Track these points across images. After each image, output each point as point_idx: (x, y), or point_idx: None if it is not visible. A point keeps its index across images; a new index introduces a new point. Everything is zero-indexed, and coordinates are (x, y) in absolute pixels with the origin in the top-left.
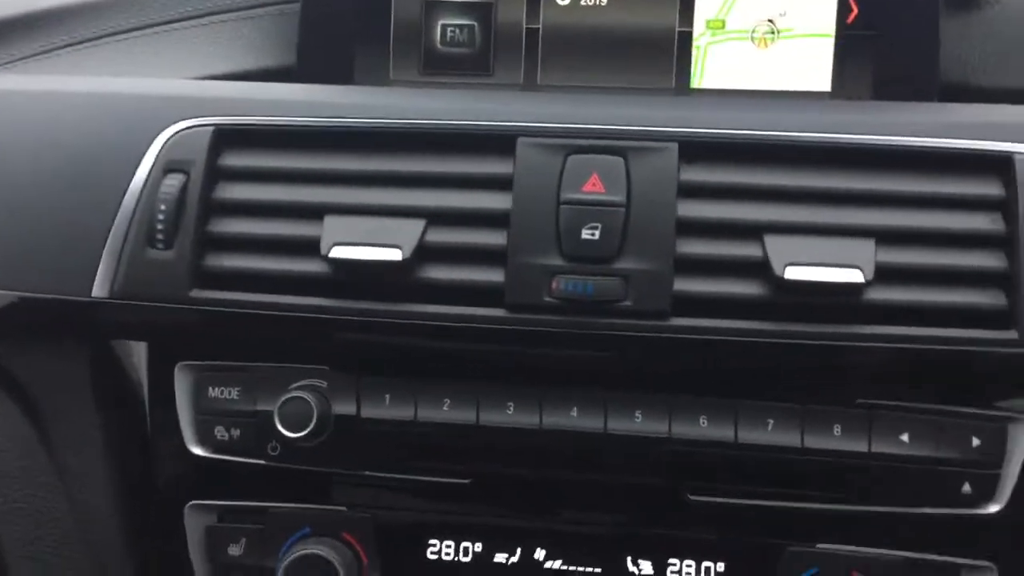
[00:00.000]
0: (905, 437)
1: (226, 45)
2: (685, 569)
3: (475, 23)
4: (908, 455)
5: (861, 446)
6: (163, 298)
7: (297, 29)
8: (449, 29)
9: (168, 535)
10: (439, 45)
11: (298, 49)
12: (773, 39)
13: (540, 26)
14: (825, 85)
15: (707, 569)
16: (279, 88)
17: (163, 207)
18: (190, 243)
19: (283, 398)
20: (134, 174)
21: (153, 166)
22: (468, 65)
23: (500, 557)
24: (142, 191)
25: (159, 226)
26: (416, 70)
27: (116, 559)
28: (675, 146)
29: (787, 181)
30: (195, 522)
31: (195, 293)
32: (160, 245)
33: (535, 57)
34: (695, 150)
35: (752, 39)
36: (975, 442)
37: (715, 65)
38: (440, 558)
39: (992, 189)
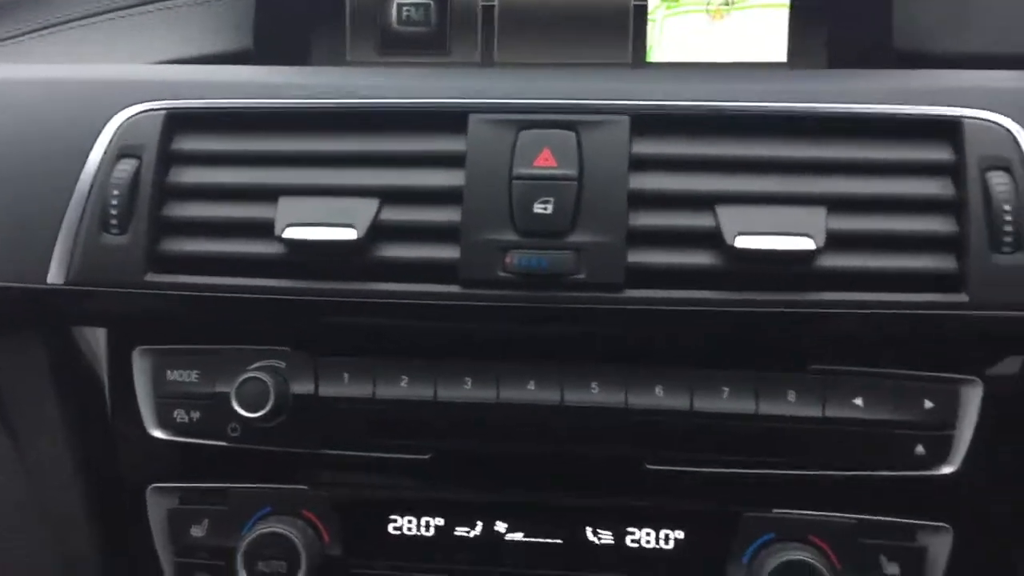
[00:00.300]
0: (859, 401)
1: (183, 30)
2: (644, 538)
3: (431, 2)
4: (862, 419)
5: (815, 411)
6: (119, 283)
7: (253, 12)
8: (405, 9)
9: (131, 518)
10: (395, 25)
11: (254, 32)
12: (728, 10)
13: (496, 3)
14: (781, 56)
15: (666, 537)
16: (231, 71)
17: (116, 192)
18: (144, 228)
19: (240, 379)
20: (87, 160)
21: (106, 151)
22: (425, 44)
23: (461, 531)
24: (95, 177)
25: (113, 211)
26: (373, 50)
27: (80, 544)
28: (627, 119)
29: (738, 151)
30: (157, 505)
31: (151, 277)
32: (114, 230)
33: (491, 35)
34: (647, 122)
35: (707, 11)
36: (928, 404)
37: (671, 38)
38: (402, 533)
39: (942, 154)
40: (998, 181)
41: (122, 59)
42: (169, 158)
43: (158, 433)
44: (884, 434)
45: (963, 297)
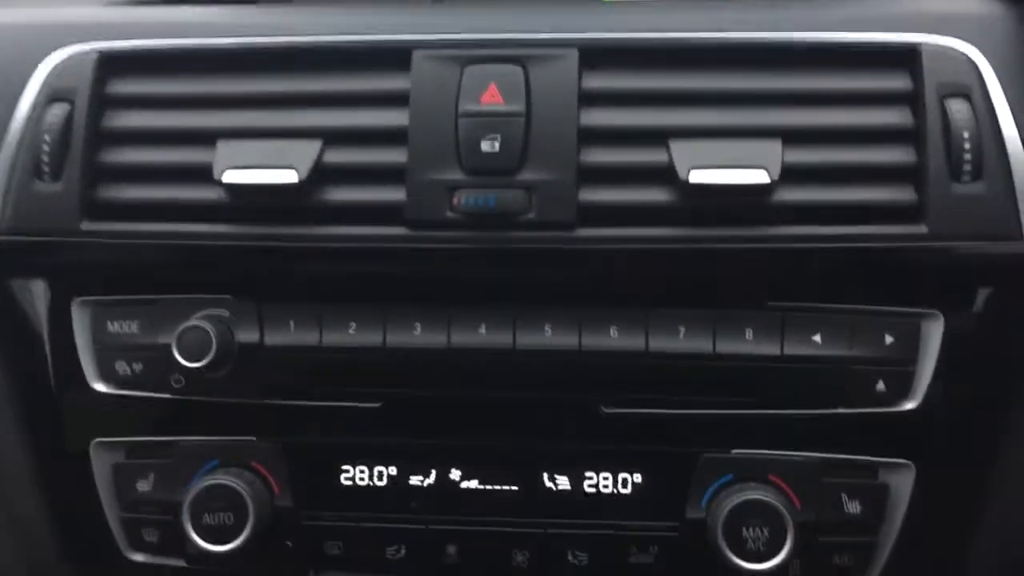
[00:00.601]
0: (817, 338)
1: None
2: (602, 482)
3: None
4: (821, 355)
5: (773, 349)
6: (53, 232)
7: None
8: None
9: (76, 474)
10: None
11: None
12: None
13: None
14: None
15: (624, 480)
16: (165, 11)
17: (48, 138)
18: (78, 174)
19: (181, 328)
20: (17, 105)
21: (36, 96)
22: None
23: (415, 480)
24: (26, 122)
25: (45, 158)
26: None
27: (26, 501)
28: (575, 52)
29: (691, 84)
30: (102, 459)
31: (86, 226)
32: (47, 177)
33: None
34: (596, 56)
35: None
36: (888, 340)
37: None
38: (354, 484)
39: (899, 82)
40: (957, 109)
41: (54, 1)
42: (103, 102)
43: (100, 386)
44: (844, 371)
45: (922, 228)
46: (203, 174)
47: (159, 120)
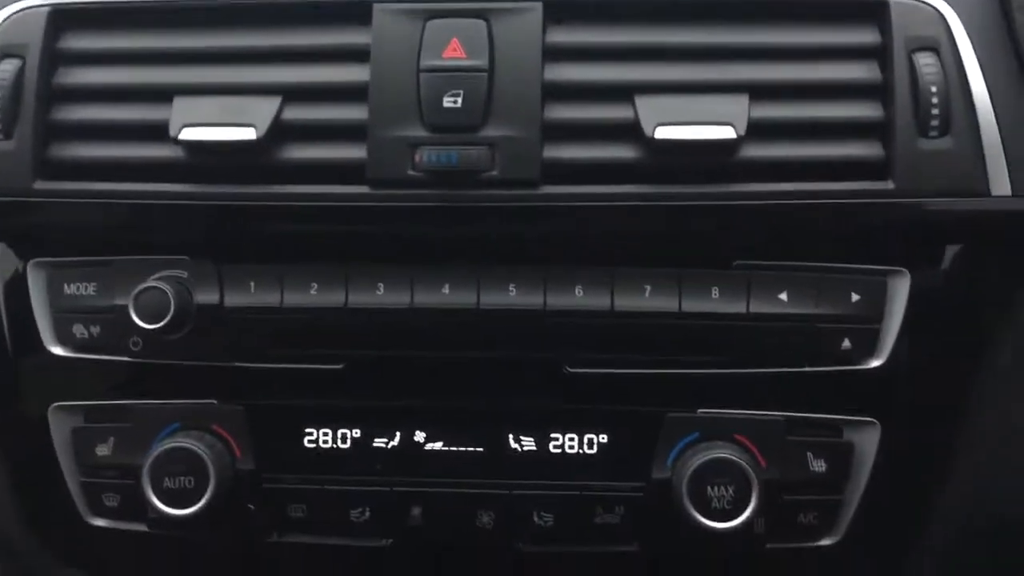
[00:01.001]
0: (784, 296)
1: None
2: (567, 442)
3: None
4: (787, 313)
5: (739, 307)
6: (6, 191)
7: None
8: None
9: (35, 438)
10: None
11: None
12: None
13: None
14: None
15: (589, 441)
16: None
17: None
18: (31, 132)
19: (138, 289)
20: None
21: None
22: None
23: (379, 442)
24: None
25: None
26: None
27: None
28: (539, 6)
29: (657, 39)
30: (61, 424)
31: (39, 185)
32: None
33: None
34: (560, 10)
35: None
36: (854, 297)
37: None
38: (318, 446)
39: (867, 36)
40: (925, 63)
41: None
42: (55, 58)
43: (57, 350)
44: (810, 329)
45: (889, 184)
46: (159, 132)
47: (113, 76)
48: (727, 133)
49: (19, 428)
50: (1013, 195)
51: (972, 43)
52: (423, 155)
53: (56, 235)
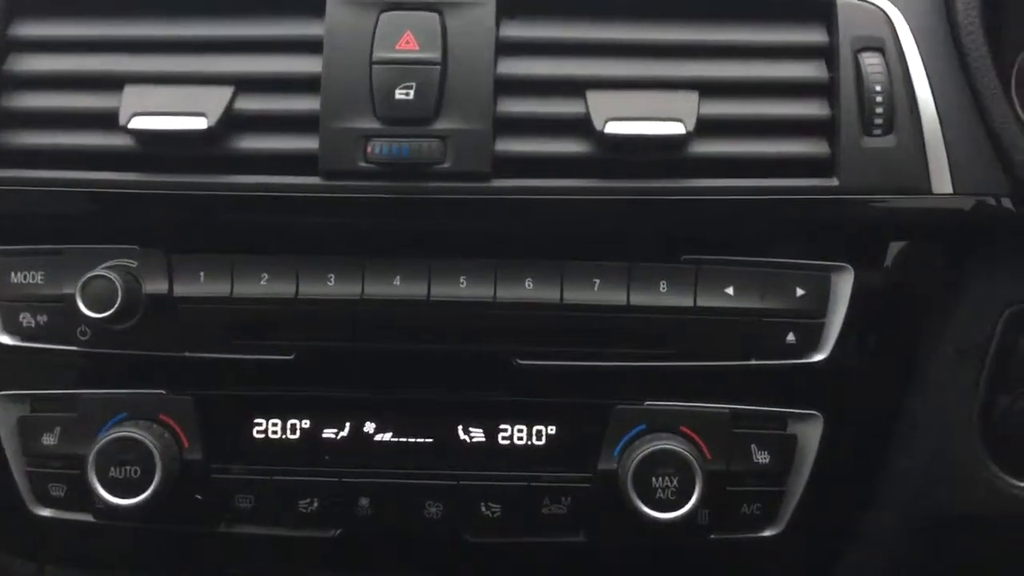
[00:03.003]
0: (730, 290)
1: None
2: (516, 434)
3: None
4: (733, 307)
5: (687, 301)
6: None
7: None
8: None
9: None
10: None
11: None
12: None
13: None
14: None
15: (538, 432)
16: None
17: None
18: None
19: (85, 278)
20: None
21: None
22: None
23: (329, 432)
24: None
25: None
26: None
27: None
28: (493, 0)
29: (609, 35)
30: (6, 413)
31: None
32: None
33: None
34: (514, 5)
35: None
36: (799, 292)
37: None
38: (266, 437)
39: (814, 35)
40: (871, 62)
41: None
42: (5, 45)
43: (4, 338)
44: (755, 323)
45: (834, 181)
46: (109, 120)
47: (64, 64)
48: (676, 129)
49: None
50: (954, 193)
51: (916, 43)
52: (375, 147)
53: (4, 223)
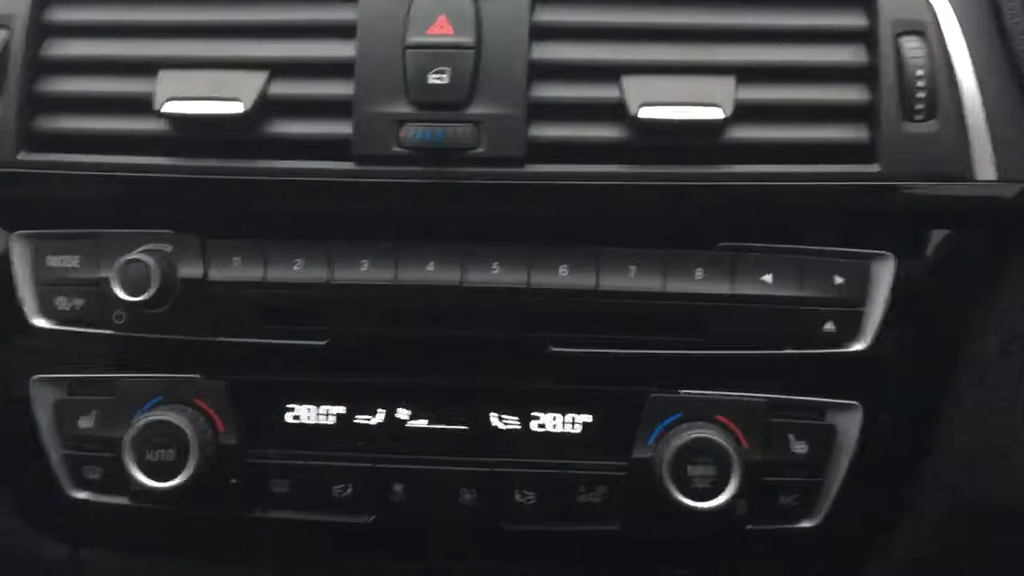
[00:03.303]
0: (768, 278)
1: None
2: (550, 421)
3: None
4: (771, 295)
5: (723, 288)
6: None
7: None
8: None
9: (17, 410)
10: None
11: None
12: None
13: None
14: None
15: (572, 420)
16: None
17: None
18: (16, 103)
19: (121, 261)
20: None
21: None
22: None
23: (362, 418)
24: None
25: None
26: None
27: None
28: None
29: (645, 19)
30: (43, 396)
31: (24, 156)
32: None
33: None
34: None
35: None
36: (838, 280)
37: None
38: (301, 422)
39: (854, 19)
40: (911, 46)
41: None
42: (41, 29)
43: (40, 322)
44: (793, 311)
45: (875, 167)
46: (144, 105)
47: (100, 49)
48: (713, 114)
49: (1, 400)
50: (998, 180)
51: (959, 26)
52: (408, 132)
53: (40, 207)
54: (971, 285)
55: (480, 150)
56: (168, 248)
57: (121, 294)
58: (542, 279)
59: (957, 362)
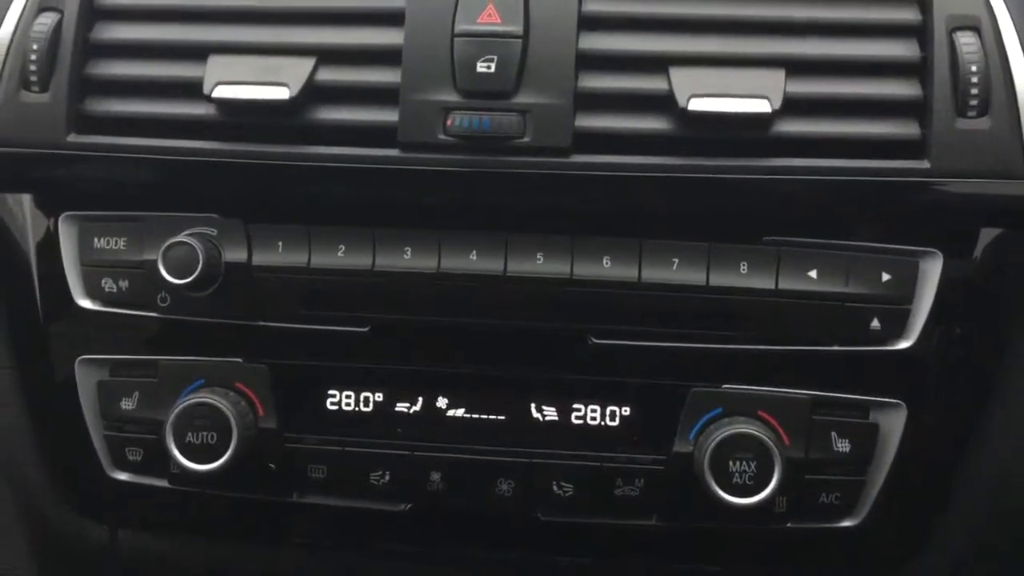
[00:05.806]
0: (813, 273)
1: None
2: (590, 414)
3: None
4: (816, 291)
5: (768, 283)
6: (40, 143)
7: None
8: None
9: (60, 391)
10: None
11: None
12: None
13: None
14: None
15: (612, 413)
16: None
17: (35, 47)
18: (66, 85)
19: (167, 243)
20: (5, 13)
21: (26, 4)
22: None
23: (401, 406)
24: (14, 31)
25: (32, 67)
26: None
27: (11, 417)
28: None
29: (694, 10)
30: (87, 377)
31: (73, 138)
32: (35, 88)
33: None
34: None
35: None
36: (885, 277)
37: None
38: (340, 408)
39: (908, 14)
40: (966, 42)
41: None
42: (92, 13)
43: (86, 303)
44: (839, 307)
45: (925, 164)
46: (193, 89)
47: (149, 33)
48: (762, 107)
49: (46, 380)
50: None
51: (1013, 22)
52: (455, 119)
53: (87, 189)
54: (1020, 285)
55: (526, 139)
56: (213, 232)
57: (166, 276)
58: (585, 270)
59: (1003, 362)
